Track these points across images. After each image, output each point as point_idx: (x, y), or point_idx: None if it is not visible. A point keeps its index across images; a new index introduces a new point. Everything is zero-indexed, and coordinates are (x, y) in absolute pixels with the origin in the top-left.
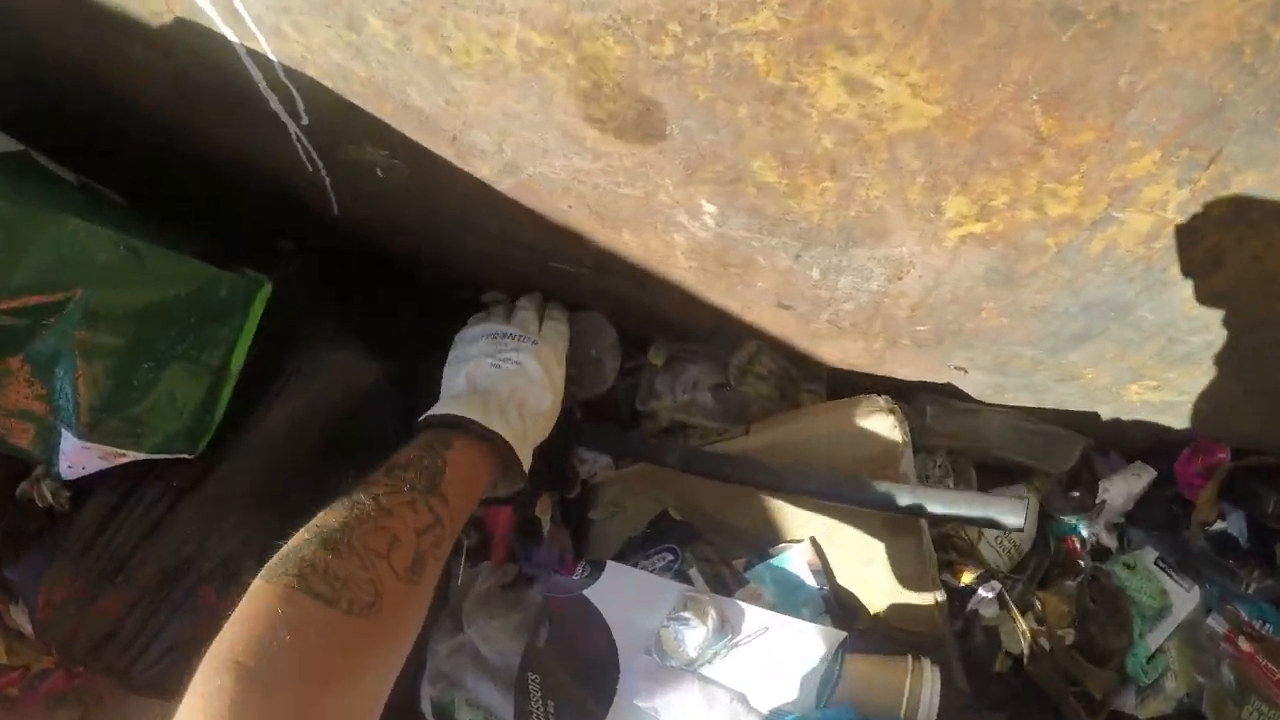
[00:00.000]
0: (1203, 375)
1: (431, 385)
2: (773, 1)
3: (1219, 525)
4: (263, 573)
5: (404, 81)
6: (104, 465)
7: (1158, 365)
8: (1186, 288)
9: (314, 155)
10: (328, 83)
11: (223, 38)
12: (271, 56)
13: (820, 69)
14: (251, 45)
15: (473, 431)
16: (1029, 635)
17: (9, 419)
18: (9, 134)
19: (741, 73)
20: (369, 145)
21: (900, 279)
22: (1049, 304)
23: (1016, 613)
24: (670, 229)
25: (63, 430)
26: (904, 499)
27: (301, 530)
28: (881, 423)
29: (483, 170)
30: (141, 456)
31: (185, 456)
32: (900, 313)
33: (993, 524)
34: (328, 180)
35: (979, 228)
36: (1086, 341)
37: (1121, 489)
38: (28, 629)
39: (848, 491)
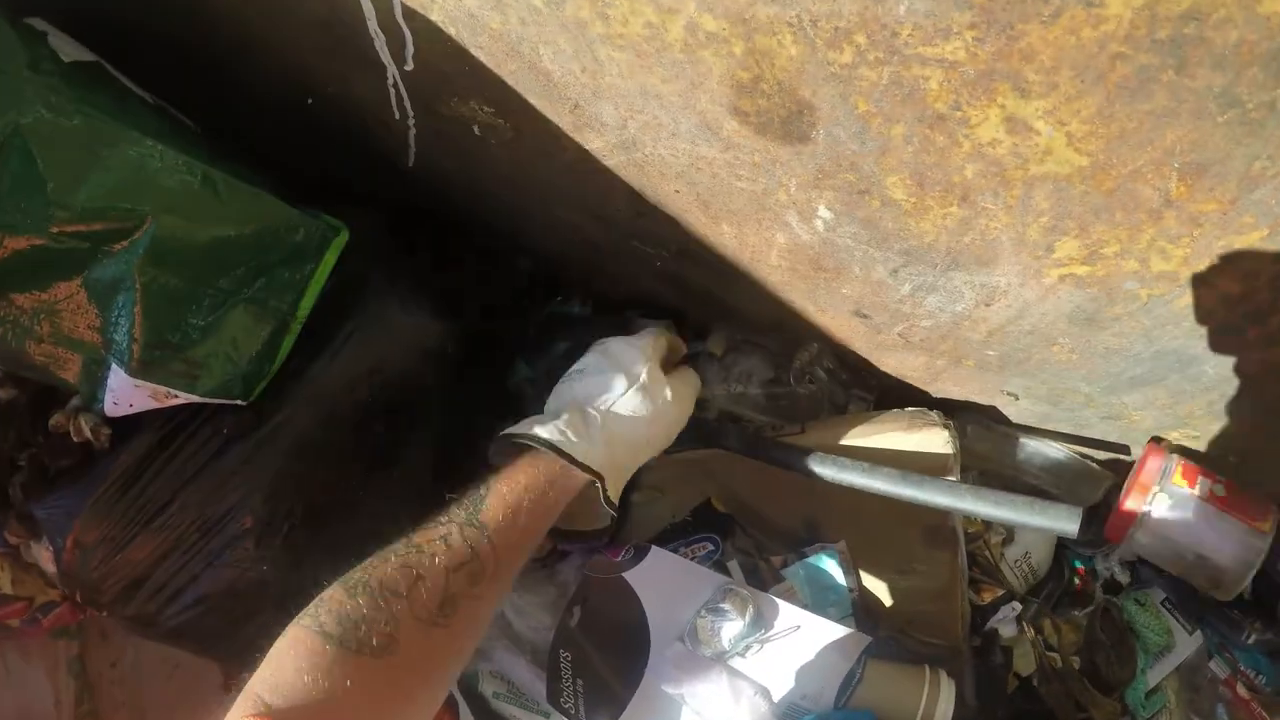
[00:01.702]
0: (1244, 433)
1: (489, 355)
2: (967, 34)
3: None
4: (296, 617)
5: (541, 41)
6: (153, 405)
7: (1204, 418)
8: (1258, 355)
9: (407, 104)
10: (451, 30)
11: None
12: None
13: (989, 104)
14: None
15: (527, 452)
16: (1041, 657)
17: (57, 348)
18: (83, 42)
19: (911, 93)
20: (475, 101)
21: (989, 305)
22: (1122, 348)
23: (1033, 633)
24: (775, 227)
25: (113, 365)
26: (963, 499)
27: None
28: (935, 437)
29: (595, 143)
30: (194, 400)
31: (238, 403)
32: (975, 336)
33: (1049, 530)
34: (412, 131)
35: (1082, 270)
36: (1145, 386)
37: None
38: (50, 568)
39: (911, 487)
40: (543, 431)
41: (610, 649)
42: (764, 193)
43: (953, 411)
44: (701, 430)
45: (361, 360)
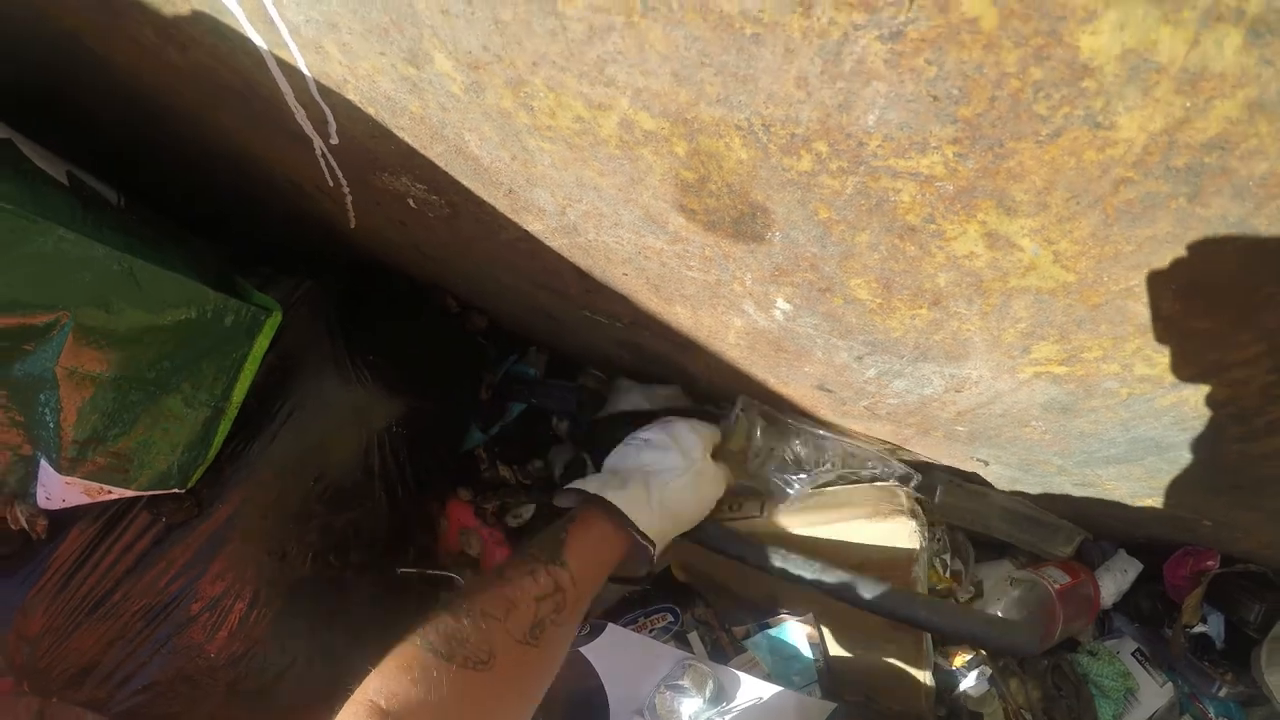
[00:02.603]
0: (1220, 504)
1: (442, 422)
2: (947, 149)
3: (1200, 628)
4: (402, 638)
5: (465, 128)
6: (87, 500)
7: (1180, 492)
8: (1237, 446)
9: (339, 174)
10: (370, 110)
11: (249, 41)
12: (305, 71)
13: (967, 220)
14: (282, 55)
15: (596, 505)
16: (1010, 716)
17: None
18: None
19: (879, 205)
20: (405, 178)
21: (959, 391)
22: (1097, 433)
23: (1006, 692)
24: (731, 313)
25: (42, 461)
26: (918, 612)
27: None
28: (901, 529)
29: (535, 225)
30: (130, 494)
31: (177, 491)
32: (944, 415)
33: (1007, 652)
34: (349, 197)
35: (1060, 370)
36: (1119, 464)
37: (1110, 587)
38: None
39: (862, 596)
40: (615, 499)
41: None
42: (717, 283)
43: (922, 468)
44: None
45: (302, 439)
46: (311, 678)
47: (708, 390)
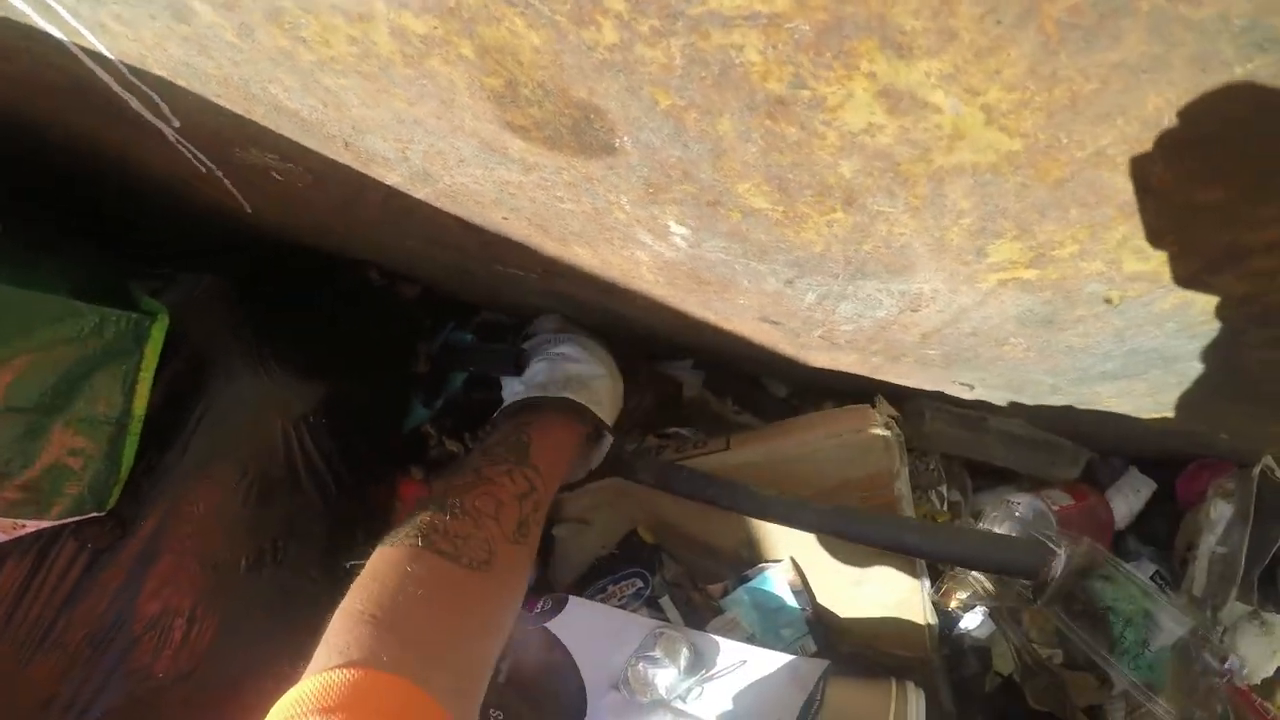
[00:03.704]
0: (1239, 415)
1: (388, 403)
2: None
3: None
4: (384, 541)
5: (265, 80)
6: (4, 538)
7: (1192, 405)
8: (1260, 354)
9: (203, 158)
10: (181, 83)
11: (49, 36)
12: (109, 55)
13: (848, 74)
14: (81, 43)
15: (547, 407)
16: (1019, 653)
17: None
18: None
19: (725, 74)
20: (255, 149)
21: (915, 311)
22: (1088, 346)
23: (1010, 629)
24: (631, 245)
25: None
26: (908, 537)
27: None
28: (874, 444)
29: (391, 178)
30: (48, 525)
31: (98, 514)
32: (907, 338)
33: (1009, 572)
34: (226, 181)
35: (1029, 274)
36: (1119, 379)
37: (1123, 509)
38: None
39: (843, 526)
40: (577, 396)
41: (544, 704)
42: (597, 213)
43: (907, 395)
44: (615, 462)
45: (217, 441)
46: (274, 679)
47: (653, 337)
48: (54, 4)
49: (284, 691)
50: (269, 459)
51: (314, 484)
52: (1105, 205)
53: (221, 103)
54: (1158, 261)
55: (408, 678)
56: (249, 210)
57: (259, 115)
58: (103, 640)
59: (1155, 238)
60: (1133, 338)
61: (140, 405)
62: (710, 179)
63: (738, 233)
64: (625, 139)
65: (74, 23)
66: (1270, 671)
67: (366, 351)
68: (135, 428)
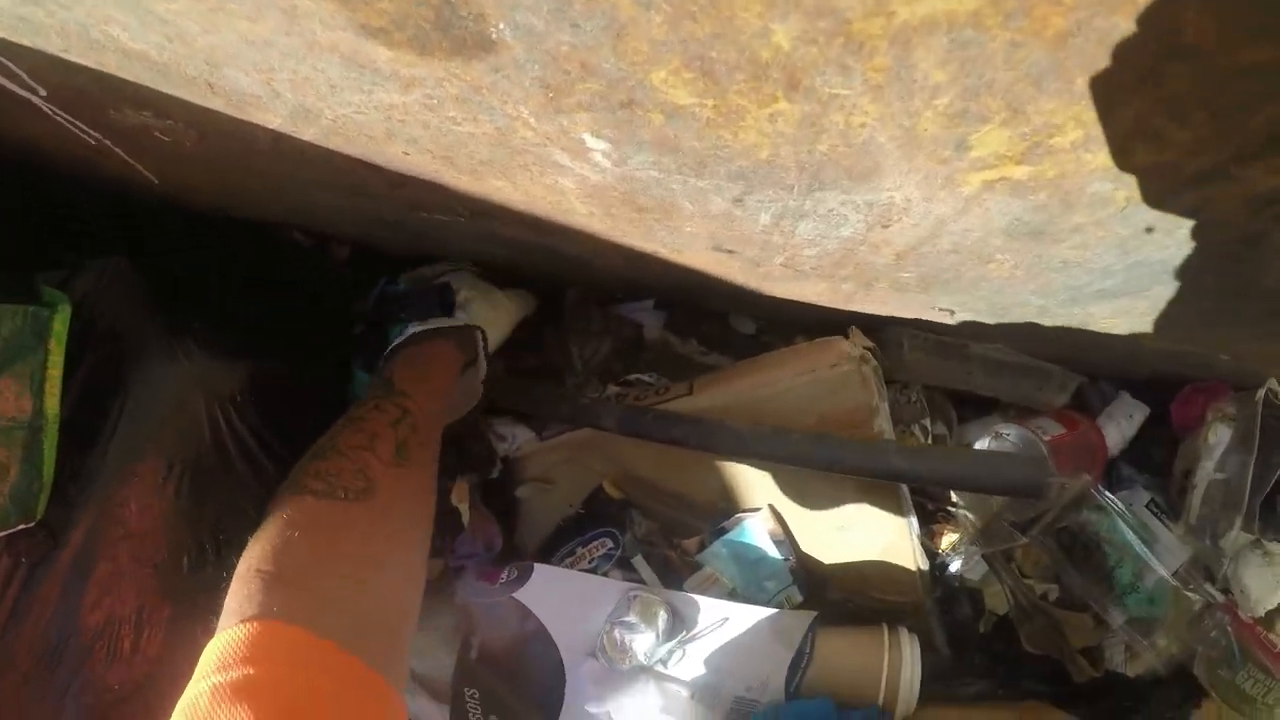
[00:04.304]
0: (1246, 336)
1: (322, 374)
2: None
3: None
4: (278, 495)
5: (100, 21)
6: None
7: (1195, 325)
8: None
9: (82, 126)
10: (26, 41)
11: None
12: None
13: None
14: None
15: (407, 343)
16: (1013, 592)
17: None
18: None
19: None
20: (127, 108)
21: (886, 227)
22: (1084, 261)
23: (1002, 571)
24: (550, 171)
25: None
26: (896, 461)
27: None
28: (849, 378)
29: (272, 120)
30: None
31: (26, 525)
32: (879, 260)
33: (1007, 492)
34: (118, 151)
35: (1019, 172)
36: (1117, 298)
37: (1115, 436)
38: None
39: (828, 454)
40: (429, 324)
41: (520, 678)
42: (500, 133)
43: (884, 325)
44: (573, 409)
45: (138, 434)
46: None
47: (611, 281)
48: None
49: None
50: (197, 446)
51: (249, 466)
52: (1124, 70)
53: (71, 57)
54: (1179, 150)
55: (301, 623)
56: (155, 181)
57: (112, 65)
58: (52, 658)
59: (1181, 116)
60: (1139, 249)
61: (53, 405)
62: (616, 69)
63: (665, 141)
64: (502, 26)
65: None
66: (1275, 603)
67: (295, 319)
68: (52, 430)
